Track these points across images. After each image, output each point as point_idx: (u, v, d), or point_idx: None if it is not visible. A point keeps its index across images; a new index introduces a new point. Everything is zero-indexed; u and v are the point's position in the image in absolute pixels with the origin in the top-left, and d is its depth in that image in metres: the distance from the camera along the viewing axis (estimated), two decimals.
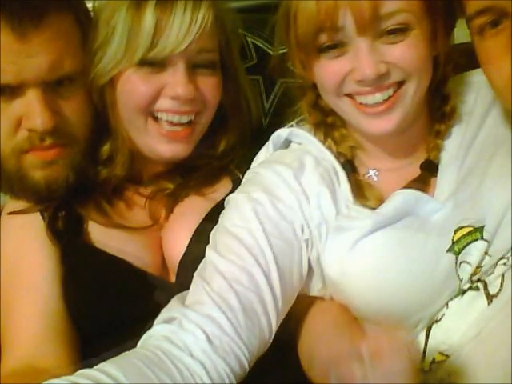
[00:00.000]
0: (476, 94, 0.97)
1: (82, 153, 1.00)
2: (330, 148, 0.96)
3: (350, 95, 0.89)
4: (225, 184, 1.08)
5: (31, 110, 0.92)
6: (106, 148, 1.04)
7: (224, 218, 0.91)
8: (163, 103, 0.99)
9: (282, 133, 1.00)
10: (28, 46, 0.89)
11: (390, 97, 0.87)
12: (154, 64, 0.97)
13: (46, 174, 0.97)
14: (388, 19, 0.83)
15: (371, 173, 0.96)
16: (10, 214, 1.01)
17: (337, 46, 0.86)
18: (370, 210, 0.90)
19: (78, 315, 0.95)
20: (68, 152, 0.98)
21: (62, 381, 0.68)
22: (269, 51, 1.20)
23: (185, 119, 1.01)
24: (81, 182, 1.01)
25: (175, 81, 0.98)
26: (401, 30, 0.84)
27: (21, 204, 1.01)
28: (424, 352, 0.87)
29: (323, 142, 0.97)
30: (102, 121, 1.02)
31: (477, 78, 0.97)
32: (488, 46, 0.81)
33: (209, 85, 1.02)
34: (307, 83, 0.97)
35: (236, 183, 1.04)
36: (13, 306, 0.95)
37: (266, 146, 1.01)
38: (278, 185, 0.91)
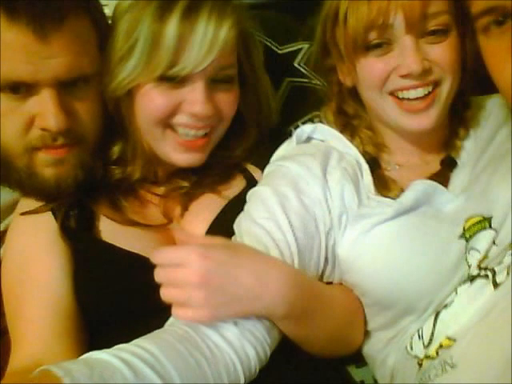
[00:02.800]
0: (488, 114, 1.04)
1: (90, 151, 1.01)
2: (356, 146, 1.01)
3: (391, 94, 0.95)
4: (237, 182, 1.09)
5: (46, 110, 0.93)
6: (116, 148, 1.05)
7: (250, 210, 0.95)
8: (180, 118, 1.00)
9: (306, 128, 1.04)
10: (47, 47, 0.90)
11: (429, 93, 0.93)
12: (173, 80, 0.97)
13: (55, 172, 0.98)
14: (433, 19, 0.91)
15: (393, 167, 1.02)
16: (22, 214, 1.02)
17: (383, 44, 0.93)
18: (390, 199, 0.95)
19: (89, 310, 0.96)
20: (78, 150, 0.99)
21: (102, 353, 0.72)
22: (274, 48, 1.22)
23: (201, 133, 1.02)
24: (93, 181, 1.02)
25: (194, 99, 0.98)
26: (442, 31, 0.92)
27: (33, 203, 1.02)
28: (431, 337, 0.90)
29: (350, 141, 1.02)
30: (112, 121, 1.03)
31: (488, 102, 1.05)
32: (492, 46, 0.83)
33: (226, 100, 1.02)
34: (333, 90, 1.04)
35: (249, 181, 1.07)
36: (22, 303, 0.96)
37: (287, 141, 1.05)
38: (303, 177, 0.95)
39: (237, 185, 1.08)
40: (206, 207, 1.04)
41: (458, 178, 0.98)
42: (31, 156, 0.97)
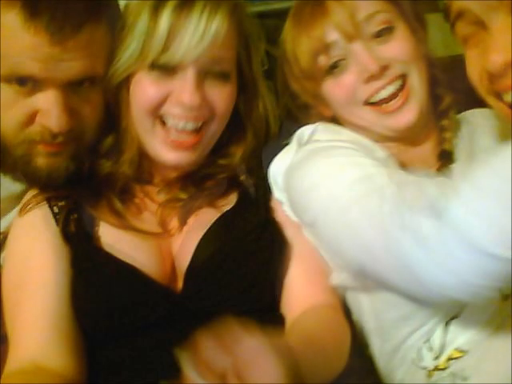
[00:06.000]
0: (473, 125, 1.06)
1: (85, 145, 1.00)
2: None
3: (366, 104, 0.95)
4: (233, 196, 1.07)
5: (49, 109, 0.92)
6: (108, 140, 1.04)
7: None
8: (170, 108, 0.99)
9: (306, 130, 1.03)
10: (62, 51, 0.89)
11: (401, 87, 0.95)
12: (165, 68, 0.98)
13: (48, 163, 0.97)
14: (369, 21, 0.95)
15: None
16: (20, 214, 1.00)
17: (338, 65, 0.96)
18: None
19: (82, 319, 0.94)
20: (74, 145, 0.98)
21: None
22: None
23: (190, 126, 1.00)
24: (88, 178, 1.02)
25: (182, 88, 0.97)
26: (386, 30, 0.95)
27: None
28: (441, 348, 0.89)
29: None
30: (107, 114, 1.02)
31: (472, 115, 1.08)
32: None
33: (219, 94, 1.01)
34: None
35: (242, 196, 1.06)
36: (21, 305, 0.94)
37: (288, 146, 1.04)
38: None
39: (232, 199, 1.06)
40: (202, 221, 1.03)
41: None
42: (29, 147, 0.96)
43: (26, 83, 0.91)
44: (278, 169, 1.03)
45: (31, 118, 0.94)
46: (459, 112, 1.09)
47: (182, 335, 0.88)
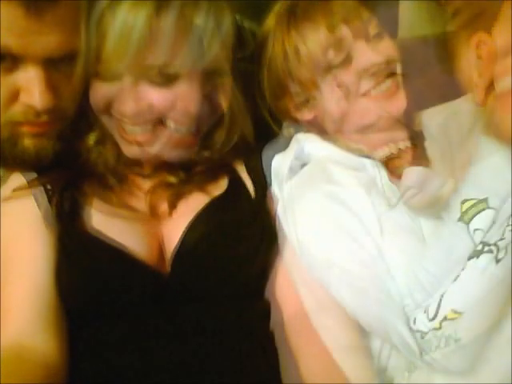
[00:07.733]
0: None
1: (67, 124, 0.98)
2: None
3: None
4: (224, 182, 1.06)
5: (32, 87, 0.90)
6: (91, 137, 1.01)
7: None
8: (174, 115, 0.96)
9: (302, 141, 1.06)
10: (40, 23, 0.87)
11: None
12: (167, 75, 0.93)
13: (35, 143, 0.95)
14: (369, 23, 1.02)
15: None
16: (4, 200, 0.98)
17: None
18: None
19: (67, 301, 0.92)
20: (58, 125, 0.96)
21: None
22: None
23: (193, 127, 0.98)
24: (78, 166, 1.00)
25: (189, 96, 0.94)
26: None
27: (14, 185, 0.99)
28: (437, 309, 0.88)
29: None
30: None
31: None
32: None
33: (222, 94, 1.00)
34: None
35: (233, 182, 1.05)
36: (4, 291, 0.91)
37: (286, 154, 1.06)
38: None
39: (222, 185, 1.06)
40: (192, 206, 1.01)
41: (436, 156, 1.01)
42: (13, 129, 0.94)
43: (5, 59, 0.89)
44: (280, 165, 1.06)
45: (13, 98, 0.92)
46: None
47: (169, 319, 0.91)
